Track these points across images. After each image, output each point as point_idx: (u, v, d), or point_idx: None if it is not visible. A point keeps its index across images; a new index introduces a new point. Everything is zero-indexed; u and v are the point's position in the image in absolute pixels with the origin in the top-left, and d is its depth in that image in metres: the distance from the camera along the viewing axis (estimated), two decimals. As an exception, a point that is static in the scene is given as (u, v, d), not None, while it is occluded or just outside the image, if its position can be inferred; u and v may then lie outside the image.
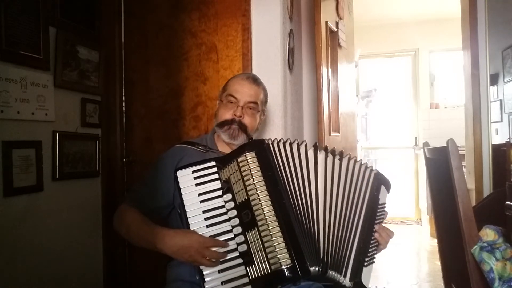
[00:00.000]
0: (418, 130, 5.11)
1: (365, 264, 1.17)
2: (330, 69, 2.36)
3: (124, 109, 2.24)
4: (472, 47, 2.40)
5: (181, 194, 1.14)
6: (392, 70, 5.59)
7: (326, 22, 2.26)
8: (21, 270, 1.64)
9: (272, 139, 1.20)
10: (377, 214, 1.24)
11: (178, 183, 1.15)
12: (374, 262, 1.22)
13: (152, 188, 1.30)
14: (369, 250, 1.20)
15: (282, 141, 1.19)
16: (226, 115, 1.34)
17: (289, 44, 2.14)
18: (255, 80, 1.41)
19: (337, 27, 2.48)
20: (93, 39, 2.06)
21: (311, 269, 1.04)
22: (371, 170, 1.27)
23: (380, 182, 1.28)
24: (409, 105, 5.31)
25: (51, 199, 1.80)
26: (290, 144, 1.19)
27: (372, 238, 1.21)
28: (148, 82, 2.23)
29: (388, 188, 1.31)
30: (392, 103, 5.64)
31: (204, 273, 1.07)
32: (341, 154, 1.22)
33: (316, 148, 1.19)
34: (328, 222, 1.13)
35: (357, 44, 3.37)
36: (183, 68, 2.17)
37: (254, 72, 2.04)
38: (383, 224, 1.25)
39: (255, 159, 1.12)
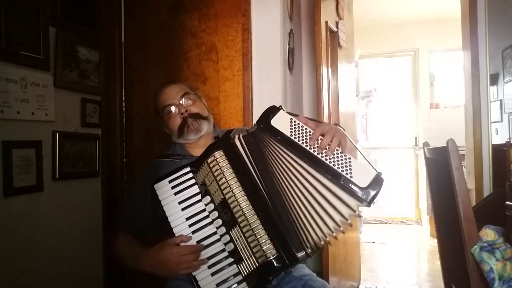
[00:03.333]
0: (418, 130, 5.11)
1: (350, 175, 1.02)
2: (330, 69, 2.36)
3: (124, 109, 2.24)
4: (472, 47, 2.40)
5: (162, 206, 1.15)
6: (392, 70, 5.59)
7: (326, 22, 2.26)
8: (21, 270, 1.64)
9: (239, 134, 1.17)
10: (300, 139, 1.09)
11: (157, 195, 1.16)
12: (350, 160, 1.04)
13: (137, 210, 1.32)
14: (338, 164, 1.04)
15: (243, 135, 1.16)
16: (176, 122, 1.37)
17: (289, 44, 2.15)
18: (170, 82, 1.44)
19: (337, 27, 2.48)
20: (93, 39, 2.06)
21: (298, 255, 1.03)
22: (254, 126, 1.17)
23: (266, 127, 1.13)
24: (409, 105, 5.31)
25: (51, 199, 1.80)
26: (254, 135, 1.15)
27: (326, 154, 1.06)
28: (148, 82, 2.23)
29: (273, 112, 1.15)
30: (392, 103, 5.64)
31: (198, 279, 1.07)
32: (250, 134, 1.15)
33: (244, 135, 1.15)
34: (292, 200, 1.06)
35: (357, 44, 3.37)
36: (183, 68, 2.17)
37: (254, 72, 2.05)
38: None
39: (224, 157, 1.12)
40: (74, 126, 1.96)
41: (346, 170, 1.03)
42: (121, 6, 2.24)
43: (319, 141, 1.07)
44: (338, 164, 1.04)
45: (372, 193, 1.00)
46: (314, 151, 1.07)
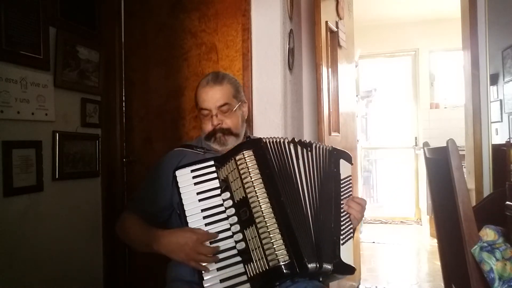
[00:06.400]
0: (418, 130, 5.11)
1: (342, 242, 1.17)
2: (330, 69, 2.36)
3: (124, 109, 2.24)
4: (472, 47, 2.40)
5: (180, 193, 1.15)
6: (392, 70, 5.60)
7: (326, 22, 2.26)
8: (21, 270, 1.64)
9: (270, 138, 1.21)
10: (342, 189, 1.24)
11: (177, 182, 1.16)
12: (352, 237, 1.22)
13: (151, 192, 1.31)
14: (342, 227, 1.19)
15: (278, 140, 1.21)
16: (207, 127, 1.34)
17: (289, 44, 2.14)
18: (216, 80, 1.34)
19: (337, 27, 2.48)
20: (93, 39, 2.06)
21: (309, 265, 1.04)
22: (327, 148, 1.27)
23: (337, 157, 1.28)
24: (409, 105, 5.32)
25: (51, 199, 1.80)
26: (289, 143, 1.21)
27: (343, 213, 1.21)
28: (148, 82, 2.23)
29: (348, 160, 1.31)
30: (392, 103, 5.64)
31: (203, 272, 1.07)
32: (310, 145, 1.24)
33: (295, 144, 1.21)
34: (313, 214, 1.15)
35: (357, 44, 3.37)
36: (183, 68, 2.17)
37: (254, 72, 2.04)
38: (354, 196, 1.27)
39: (253, 157, 1.14)
40: (74, 126, 1.96)
41: (344, 237, 1.18)
42: (121, 6, 2.24)
43: (352, 206, 1.23)
44: (343, 229, 1.19)
45: (339, 271, 1.13)
46: (342, 202, 1.23)
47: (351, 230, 1.22)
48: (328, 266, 1.10)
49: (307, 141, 1.25)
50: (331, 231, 1.16)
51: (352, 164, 1.32)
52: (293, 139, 1.24)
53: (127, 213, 1.32)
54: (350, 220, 1.23)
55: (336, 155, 1.28)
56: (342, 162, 1.28)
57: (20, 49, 1.63)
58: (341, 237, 1.17)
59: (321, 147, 1.26)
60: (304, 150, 1.22)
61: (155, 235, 1.16)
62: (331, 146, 1.29)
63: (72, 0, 1.93)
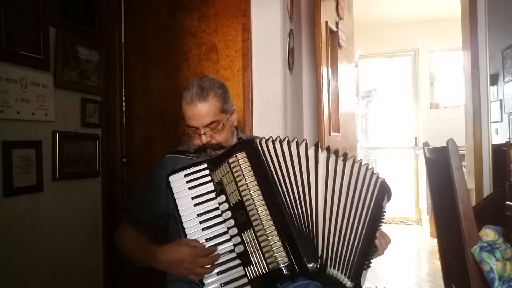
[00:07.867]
0: (418, 130, 5.11)
1: (365, 267, 1.18)
2: (330, 69, 2.36)
3: (124, 109, 2.24)
4: (472, 47, 2.40)
5: (175, 199, 1.14)
6: (392, 70, 5.59)
7: (326, 22, 2.26)
8: (21, 270, 1.64)
9: (261, 138, 1.19)
10: (380, 219, 1.24)
11: (171, 188, 1.15)
12: (370, 266, 1.22)
13: (146, 201, 1.30)
14: (370, 255, 1.20)
15: (271, 139, 1.19)
16: (197, 142, 1.27)
17: (289, 44, 2.14)
18: (201, 96, 1.22)
19: (337, 27, 2.48)
20: (93, 39, 2.06)
21: (309, 265, 1.04)
22: (378, 177, 1.25)
23: (385, 190, 1.27)
24: (409, 105, 5.31)
25: (51, 199, 1.80)
26: (280, 142, 1.18)
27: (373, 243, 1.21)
28: (148, 82, 2.23)
29: (389, 197, 1.30)
30: (392, 103, 5.64)
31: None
32: (345, 155, 1.22)
33: (317, 147, 1.19)
34: (328, 220, 1.13)
35: (357, 44, 3.37)
36: (183, 68, 2.17)
37: (254, 72, 2.04)
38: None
39: (246, 159, 1.13)
40: (74, 126, 1.96)
41: (366, 263, 1.19)
42: (121, 6, 2.24)
43: (382, 242, 1.23)
44: (371, 255, 1.20)
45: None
46: (377, 232, 1.22)
47: (372, 261, 1.21)
48: (350, 284, 1.11)
49: (337, 149, 1.23)
50: (361, 252, 1.16)
51: (388, 201, 1.32)
52: (317, 142, 1.22)
53: (123, 225, 1.30)
54: (375, 252, 1.22)
55: (385, 189, 1.27)
56: (385, 202, 1.28)
57: (20, 49, 1.63)
58: (366, 263, 1.17)
59: (365, 166, 1.24)
60: (333, 157, 1.19)
61: (152, 253, 1.14)
62: (383, 178, 1.28)
63: (72, 0, 1.93)
